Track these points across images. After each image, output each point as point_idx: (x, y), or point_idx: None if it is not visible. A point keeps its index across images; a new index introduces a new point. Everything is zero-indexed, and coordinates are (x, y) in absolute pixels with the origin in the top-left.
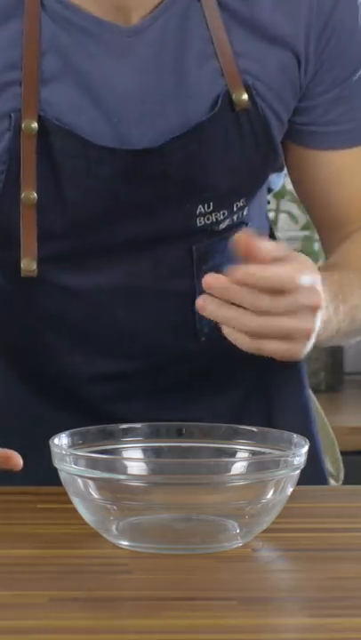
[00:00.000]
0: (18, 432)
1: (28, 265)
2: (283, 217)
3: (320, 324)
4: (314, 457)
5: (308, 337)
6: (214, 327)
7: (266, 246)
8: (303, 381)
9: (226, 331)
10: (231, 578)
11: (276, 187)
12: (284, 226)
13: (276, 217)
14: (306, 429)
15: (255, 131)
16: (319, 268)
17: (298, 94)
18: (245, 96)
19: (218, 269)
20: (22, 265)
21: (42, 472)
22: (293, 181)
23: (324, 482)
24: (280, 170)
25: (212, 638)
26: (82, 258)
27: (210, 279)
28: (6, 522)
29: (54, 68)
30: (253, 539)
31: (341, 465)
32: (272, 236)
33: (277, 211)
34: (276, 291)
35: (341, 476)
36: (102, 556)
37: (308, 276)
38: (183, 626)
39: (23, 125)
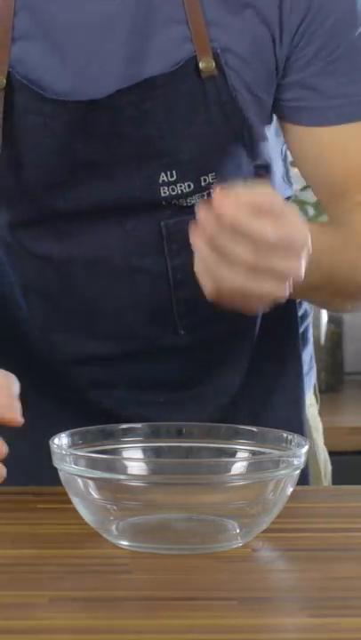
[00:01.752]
0: None
1: None
2: None
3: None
4: None
5: (284, 280)
6: (196, 322)
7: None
8: (301, 396)
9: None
10: (231, 578)
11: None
12: None
13: None
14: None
15: (222, 100)
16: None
17: (277, 68)
18: (213, 63)
19: (189, 250)
20: None
21: (28, 456)
22: (292, 156)
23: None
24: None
25: (212, 638)
26: (53, 224)
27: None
28: (7, 522)
29: (26, 26)
30: (253, 539)
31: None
32: None
33: None
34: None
35: None
36: (102, 556)
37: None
38: (183, 625)
39: None
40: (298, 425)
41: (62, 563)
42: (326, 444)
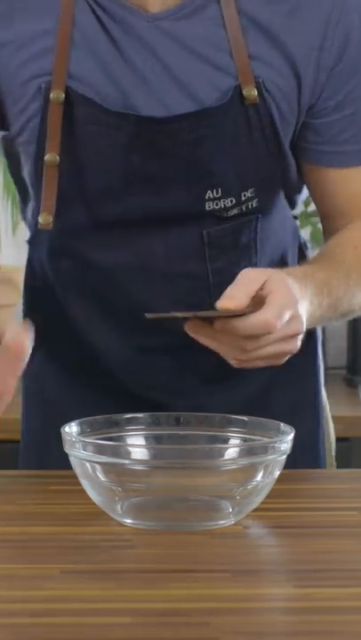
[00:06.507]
0: (57, 411)
1: (46, 219)
2: None
3: (306, 316)
4: (314, 443)
5: (290, 354)
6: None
7: (240, 293)
8: (319, 379)
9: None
10: (225, 552)
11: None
12: None
13: None
14: (314, 421)
15: (263, 124)
16: (309, 262)
17: (299, 105)
18: (255, 92)
19: (227, 255)
20: (40, 218)
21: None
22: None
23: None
24: (295, 182)
25: (208, 606)
26: (102, 233)
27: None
28: (22, 502)
29: (80, 46)
30: (245, 517)
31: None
32: (301, 252)
33: None
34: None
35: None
36: (108, 532)
37: (287, 309)
38: (182, 595)
39: (52, 95)
40: (317, 396)
41: (72, 539)
42: None
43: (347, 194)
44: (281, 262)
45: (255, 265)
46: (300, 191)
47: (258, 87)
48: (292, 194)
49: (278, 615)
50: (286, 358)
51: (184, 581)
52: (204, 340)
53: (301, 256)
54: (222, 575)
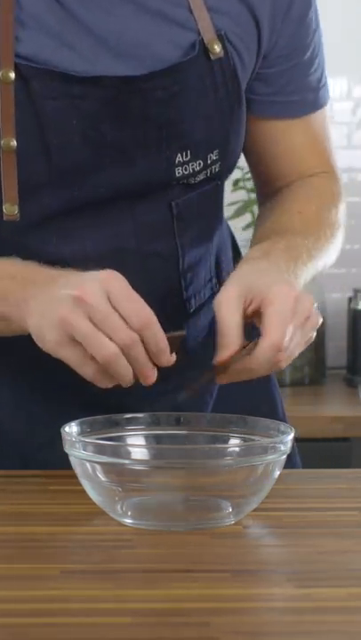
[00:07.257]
0: (19, 431)
1: (10, 209)
2: None
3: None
4: None
5: (317, 326)
6: (201, 297)
7: (229, 338)
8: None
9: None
10: (225, 552)
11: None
12: None
13: None
14: (275, 416)
15: (226, 80)
16: (260, 239)
17: (258, 55)
18: (219, 46)
19: (193, 227)
20: (4, 209)
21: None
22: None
23: (295, 465)
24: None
25: (208, 606)
26: (67, 219)
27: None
28: (22, 502)
29: (28, 15)
30: (244, 517)
31: None
32: (234, 242)
33: None
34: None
35: None
36: (108, 532)
37: (286, 311)
38: (181, 595)
39: (0, 75)
40: (273, 389)
41: (72, 539)
42: (311, 431)
43: (288, 147)
44: (218, 239)
45: (211, 240)
46: (237, 159)
47: (221, 40)
48: (235, 161)
49: (278, 615)
50: (315, 330)
51: (184, 581)
52: (237, 376)
53: (233, 242)
54: (222, 575)
